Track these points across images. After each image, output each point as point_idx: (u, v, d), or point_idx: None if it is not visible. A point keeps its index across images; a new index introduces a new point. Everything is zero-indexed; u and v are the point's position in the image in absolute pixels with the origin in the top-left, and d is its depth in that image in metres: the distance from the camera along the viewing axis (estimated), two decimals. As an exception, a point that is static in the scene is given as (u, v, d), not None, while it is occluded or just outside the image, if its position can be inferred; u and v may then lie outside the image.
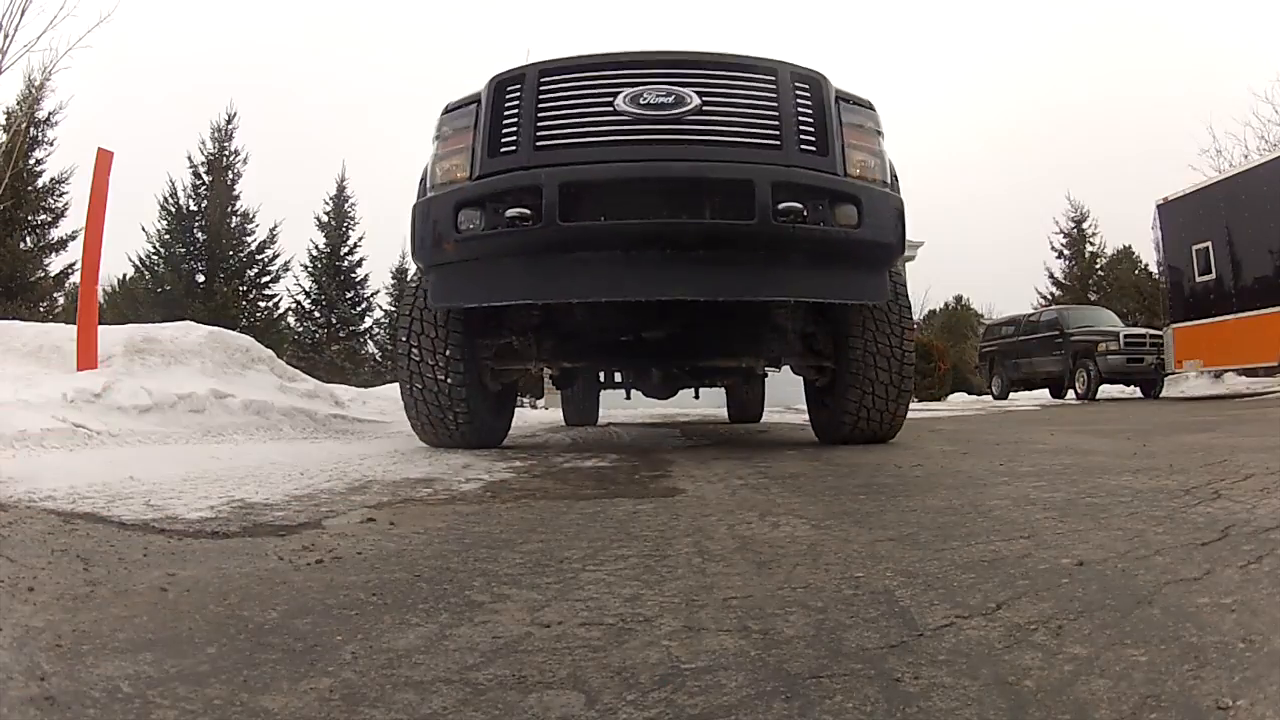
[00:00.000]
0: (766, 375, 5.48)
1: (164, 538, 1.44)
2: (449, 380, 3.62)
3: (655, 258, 3.04)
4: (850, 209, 3.13)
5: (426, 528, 1.58)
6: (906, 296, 3.80)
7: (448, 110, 3.39)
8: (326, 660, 0.83)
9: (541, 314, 3.91)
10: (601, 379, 7.10)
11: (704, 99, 3.10)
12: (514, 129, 3.14)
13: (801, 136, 3.16)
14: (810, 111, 3.21)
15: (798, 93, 3.20)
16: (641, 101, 3.08)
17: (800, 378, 5.17)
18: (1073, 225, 30.58)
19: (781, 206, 2.98)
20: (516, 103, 3.16)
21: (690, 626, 0.92)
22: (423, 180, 3.45)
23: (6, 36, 9.93)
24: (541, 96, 3.15)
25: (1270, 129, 19.79)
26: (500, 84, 3.22)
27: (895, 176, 3.50)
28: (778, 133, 3.14)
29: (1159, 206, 12.95)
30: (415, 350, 3.65)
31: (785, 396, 8.98)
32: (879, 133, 3.42)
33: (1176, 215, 12.65)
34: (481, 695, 0.74)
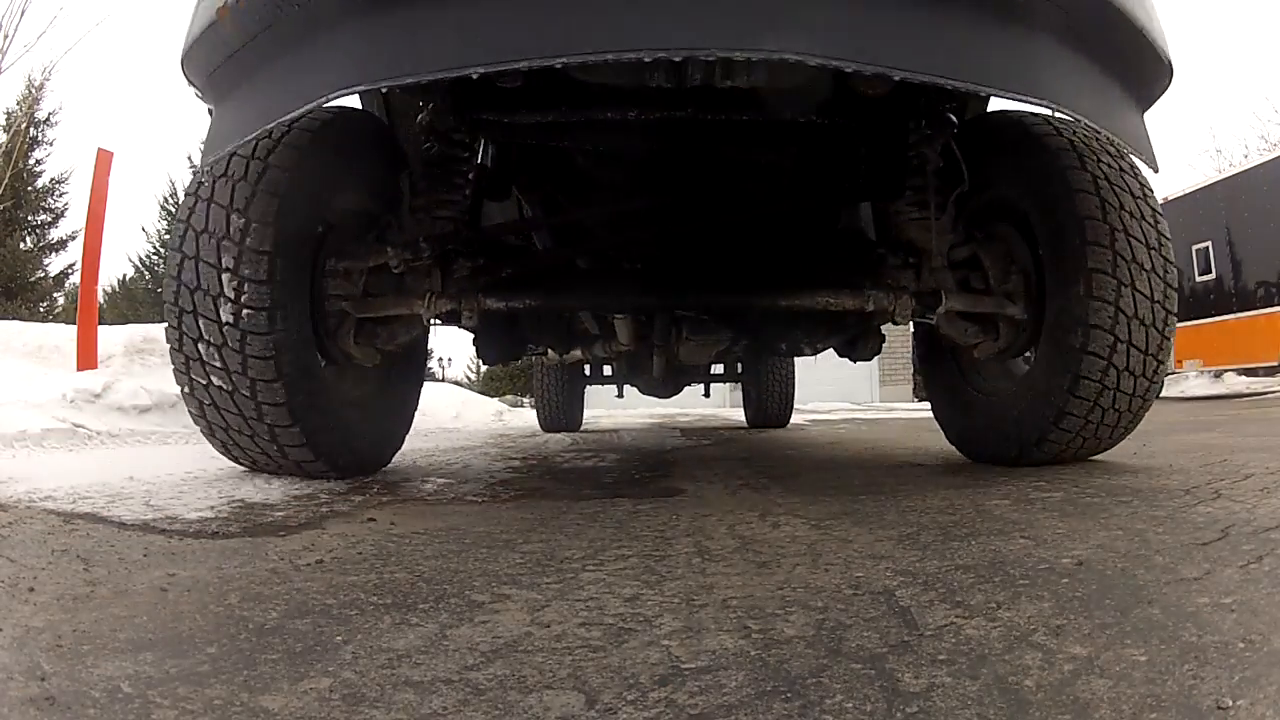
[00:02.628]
0: (883, 340, 2.94)
1: (164, 538, 1.44)
2: (251, 343, 1.83)
3: None
4: None
5: (426, 528, 1.58)
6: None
7: None
8: (326, 660, 0.83)
9: (456, 205, 2.22)
10: (588, 372, 5.64)
11: None
12: None
13: None
14: None
15: None
16: None
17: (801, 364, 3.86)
18: (1073, 225, 30.59)
19: None
20: None
21: (690, 626, 0.92)
22: None
23: (6, 37, 9.97)
24: None
25: (1270, 129, 19.85)
26: None
27: None
28: None
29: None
30: (188, 282, 1.84)
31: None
32: None
33: (1176, 215, 12.63)
34: (481, 695, 0.74)
